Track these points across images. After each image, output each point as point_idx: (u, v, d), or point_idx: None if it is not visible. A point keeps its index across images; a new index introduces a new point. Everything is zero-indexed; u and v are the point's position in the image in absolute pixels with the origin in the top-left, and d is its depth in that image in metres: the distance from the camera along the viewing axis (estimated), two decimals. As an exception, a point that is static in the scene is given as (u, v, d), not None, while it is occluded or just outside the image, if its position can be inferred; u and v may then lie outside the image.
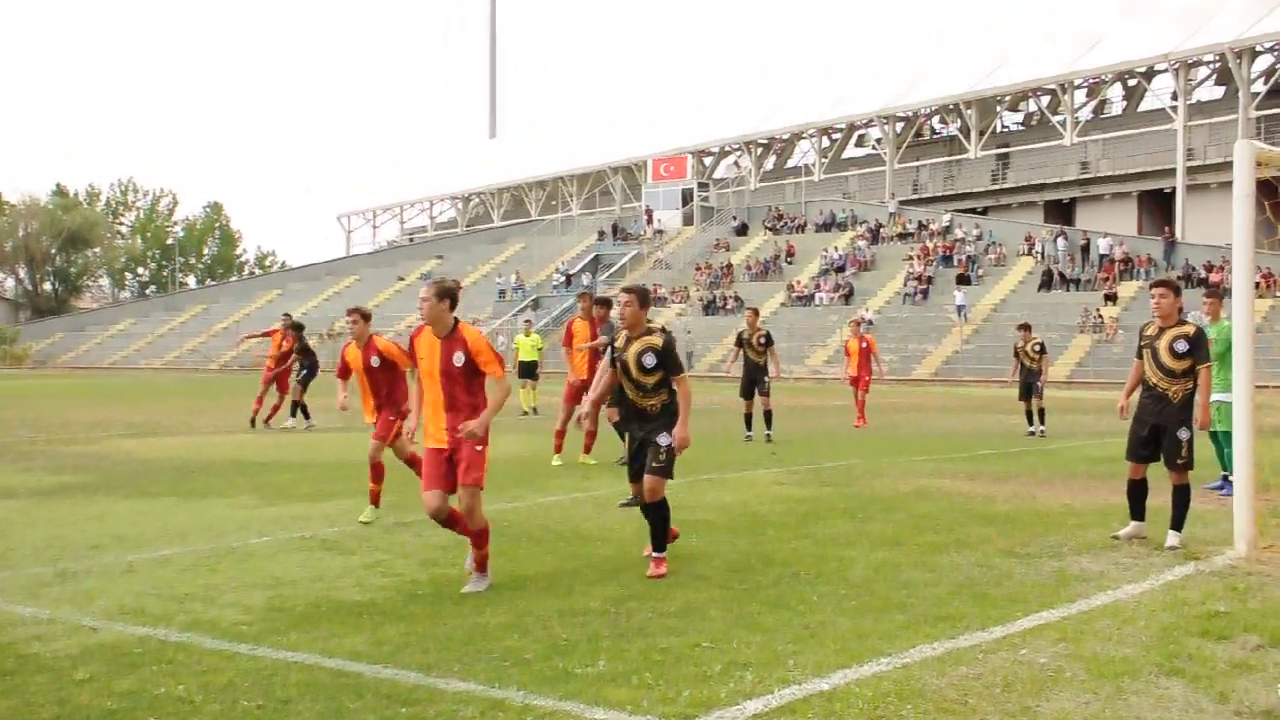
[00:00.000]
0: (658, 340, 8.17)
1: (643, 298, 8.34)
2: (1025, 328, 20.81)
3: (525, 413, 25.02)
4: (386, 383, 10.56)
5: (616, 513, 10.78)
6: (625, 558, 8.58)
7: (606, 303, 14.75)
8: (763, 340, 18.65)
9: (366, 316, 10.77)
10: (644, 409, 8.24)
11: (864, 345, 22.53)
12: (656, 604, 7.02)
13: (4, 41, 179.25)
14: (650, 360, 8.11)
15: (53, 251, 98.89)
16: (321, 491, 12.36)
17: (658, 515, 8.11)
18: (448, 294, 7.72)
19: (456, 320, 7.77)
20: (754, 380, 18.58)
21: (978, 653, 5.92)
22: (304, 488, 12.67)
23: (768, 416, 18.48)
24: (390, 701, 5.16)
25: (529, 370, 26.73)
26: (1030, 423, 19.91)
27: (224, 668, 5.69)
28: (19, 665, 5.72)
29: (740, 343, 19.08)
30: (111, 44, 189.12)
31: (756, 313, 19.79)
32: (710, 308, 59.64)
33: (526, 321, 30.97)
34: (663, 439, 8.09)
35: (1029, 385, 19.99)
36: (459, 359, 7.61)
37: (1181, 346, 8.84)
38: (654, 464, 8.06)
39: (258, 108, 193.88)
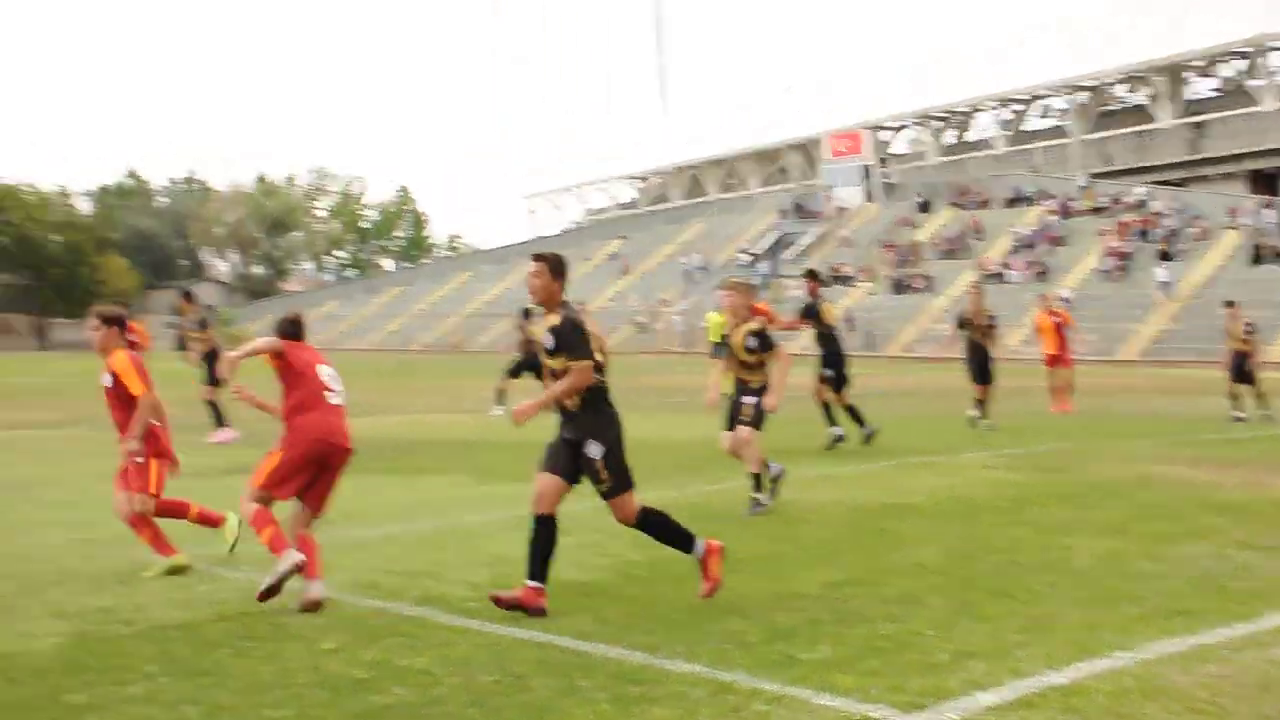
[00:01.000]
0: (555, 318, 6.80)
1: (554, 266, 6.99)
2: (1230, 305, 19.59)
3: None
4: None
5: (824, 495, 10.75)
6: (836, 542, 8.56)
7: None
8: (988, 321, 17.79)
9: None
10: (561, 406, 6.86)
11: (1057, 320, 20.78)
12: (875, 589, 6.98)
13: (203, 45, 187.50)
14: (549, 341, 6.80)
15: (259, 236, 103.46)
16: (533, 472, 12.60)
17: (538, 540, 6.70)
18: (112, 320, 7.84)
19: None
20: (980, 363, 17.60)
21: (1223, 650, 5.68)
22: (516, 467, 12.94)
23: (980, 403, 17.57)
24: (620, 680, 5.26)
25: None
26: (1236, 406, 18.62)
27: (459, 642, 5.89)
28: (274, 633, 6.06)
29: (962, 324, 18.09)
30: (295, 39, 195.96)
31: (981, 291, 18.64)
32: (900, 287, 58.64)
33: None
34: (592, 449, 6.79)
35: (1239, 367, 18.82)
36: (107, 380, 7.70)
37: None
38: (596, 486, 6.84)
39: (437, 93, 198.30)
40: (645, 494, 10.75)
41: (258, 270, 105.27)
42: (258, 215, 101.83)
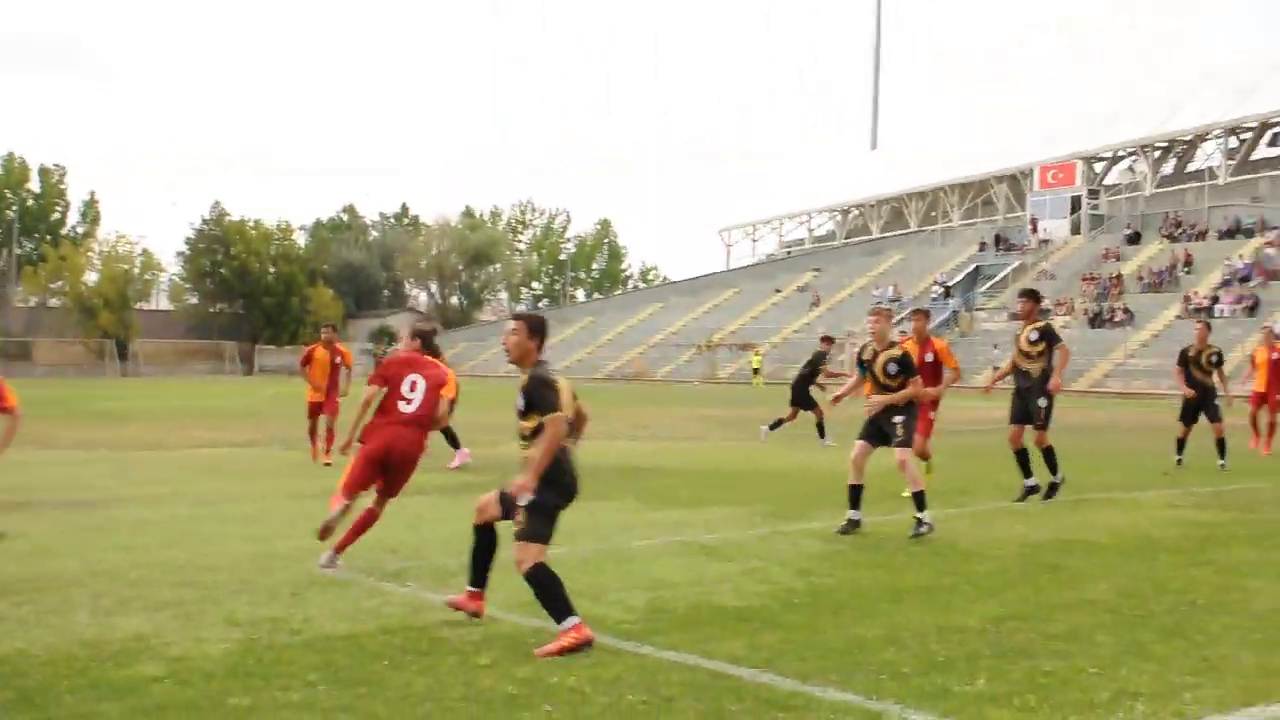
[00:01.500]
0: (525, 378, 6.72)
1: (532, 326, 6.83)
2: (1204, 325, 17.37)
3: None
4: None
5: (996, 529, 10.49)
6: (1005, 576, 8.34)
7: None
8: (1214, 358, 16.60)
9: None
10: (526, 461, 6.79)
11: (1275, 356, 18.83)
12: (1040, 625, 6.79)
13: (417, 84, 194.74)
14: (520, 402, 6.72)
15: (460, 268, 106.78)
16: (700, 498, 12.70)
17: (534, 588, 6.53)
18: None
19: None
20: (1201, 403, 16.47)
21: (1402, 703, 5.34)
22: (684, 494, 13.07)
23: (1220, 444, 16.38)
24: (769, 706, 5.24)
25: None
26: (1180, 451, 16.55)
27: (611, 662, 5.95)
28: (432, 647, 6.23)
29: (1184, 360, 16.89)
30: (502, 77, 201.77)
31: (1208, 326, 17.44)
32: (1096, 320, 56.70)
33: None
34: (521, 499, 6.73)
35: (1199, 406, 16.55)
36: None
37: None
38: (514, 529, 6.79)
39: (643, 126, 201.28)
40: (814, 524, 10.73)
41: (454, 301, 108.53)
42: (461, 248, 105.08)
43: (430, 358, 9.44)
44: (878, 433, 10.50)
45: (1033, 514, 11.56)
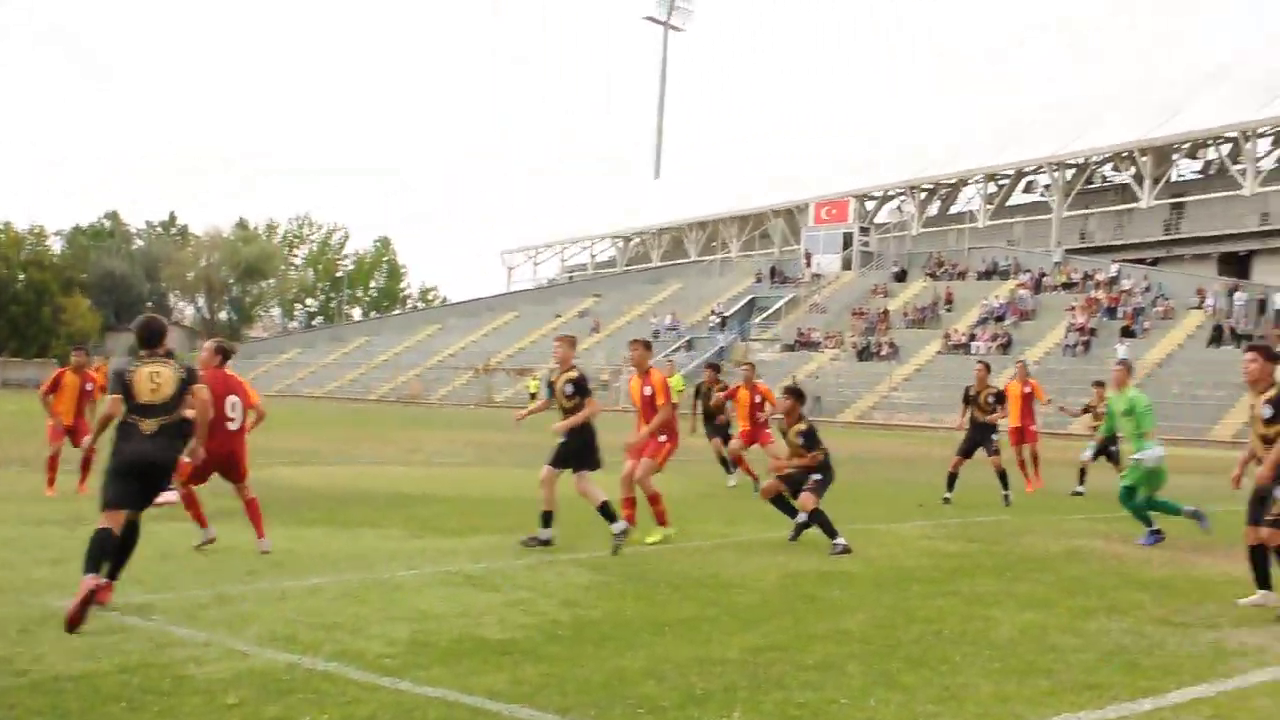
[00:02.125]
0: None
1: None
2: (983, 366, 17.95)
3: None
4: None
5: (758, 560, 10.72)
6: (766, 607, 8.51)
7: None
8: (991, 398, 17.23)
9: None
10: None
11: (1027, 390, 19.44)
12: (796, 656, 6.94)
13: (188, 81, 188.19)
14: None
15: (230, 282, 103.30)
16: (469, 526, 12.57)
17: None
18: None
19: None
20: (978, 440, 17.17)
21: (1127, 725, 5.70)
22: (452, 522, 12.90)
23: (1001, 476, 16.85)
24: (524, 742, 5.20)
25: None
26: (950, 488, 16.85)
27: (366, 699, 5.79)
28: (175, 686, 5.93)
29: (968, 399, 17.52)
30: (290, 81, 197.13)
31: (987, 368, 17.98)
32: (864, 354, 58.98)
33: (669, 361, 30.53)
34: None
35: (976, 441, 17.15)
36: None
37: (1267, 411, 8.79)
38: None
39: (430, 144, 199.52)
40: (583, 554, 10.76)
41: (224, 315, 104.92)
42: (232, 261, 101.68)
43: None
44: (561, 456, 11.32)
45: (793, 545, 11.85)
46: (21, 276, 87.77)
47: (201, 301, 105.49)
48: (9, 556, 9.70)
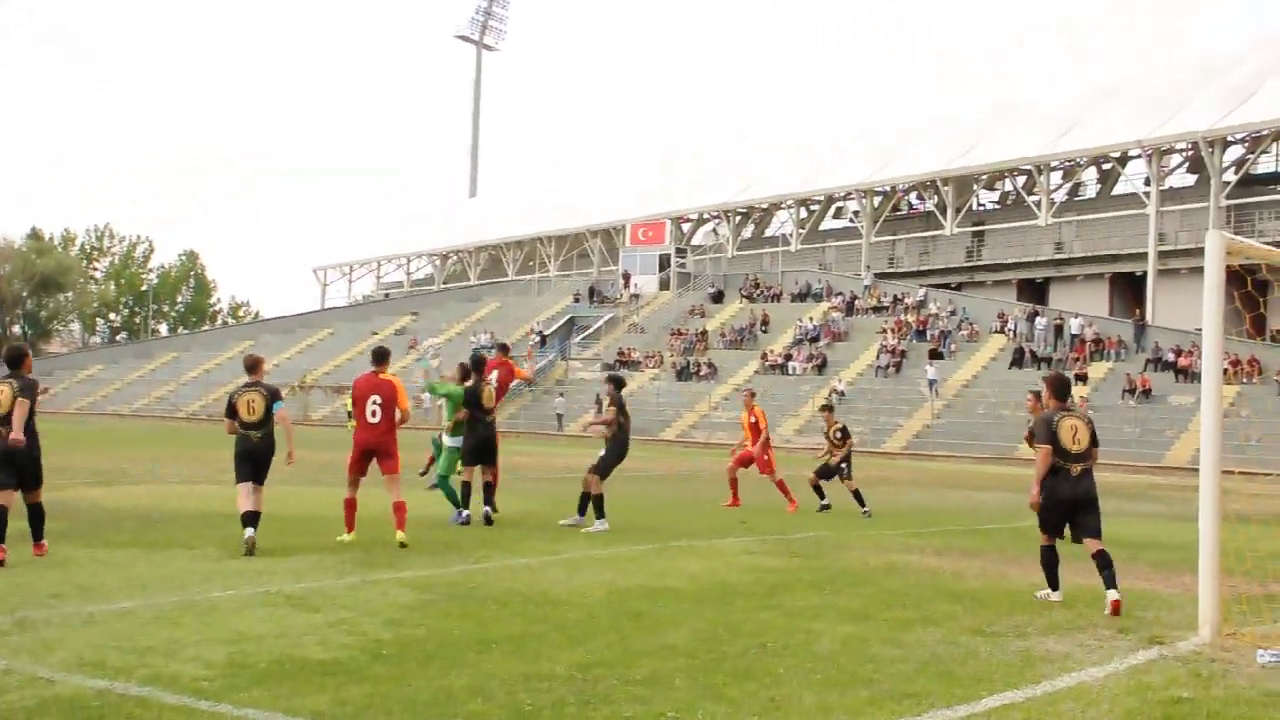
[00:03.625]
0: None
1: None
2: (828, 409, 19.35)
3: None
4: None
5: (586, 576, 10.73)
6: (593, 623, 8.53)
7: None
8: (838, 434, 18.47)
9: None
10: None
11: (753, 419, 19.39)
12: (623, 671, 6.98)
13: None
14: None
15: (24, 295, 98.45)
16: (286, 546, 12.25)
17: None
18: None
19: None
20: (834, 469, 18.42)
21: (942, 732, 5.90)
22: (267, 541, 12.52)
23: (857, 496, 18.18)
24: (351, 763, 5.10)
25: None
26: (822, 496, 18.56)
27: (181, 724, 5.61)
28: (-26, 716, 5.64)
29: (826, 436, 18.85)
30: (86, 86, 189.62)
31: (832, 410, 19.48)
32: (684, 374, 59.75)
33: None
34: None
35: (832, 469, 18.45)
36: None
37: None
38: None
39: (240, 156, 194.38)
40: (406, 573, 10.61)
41: (17, 330, 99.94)
42: (25, 273, 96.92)
43: None
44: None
45: (618, 561, 11.92)
46: None
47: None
48: None
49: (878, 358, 55.89)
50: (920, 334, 57.23)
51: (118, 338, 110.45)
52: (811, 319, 61.94)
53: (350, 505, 13.07)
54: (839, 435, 18.41)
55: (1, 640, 7.29)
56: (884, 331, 58.28)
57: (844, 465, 18.35)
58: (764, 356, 59.02)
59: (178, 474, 22.51)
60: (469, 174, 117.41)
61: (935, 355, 53.97)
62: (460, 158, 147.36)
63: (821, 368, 56.25)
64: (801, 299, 66.34)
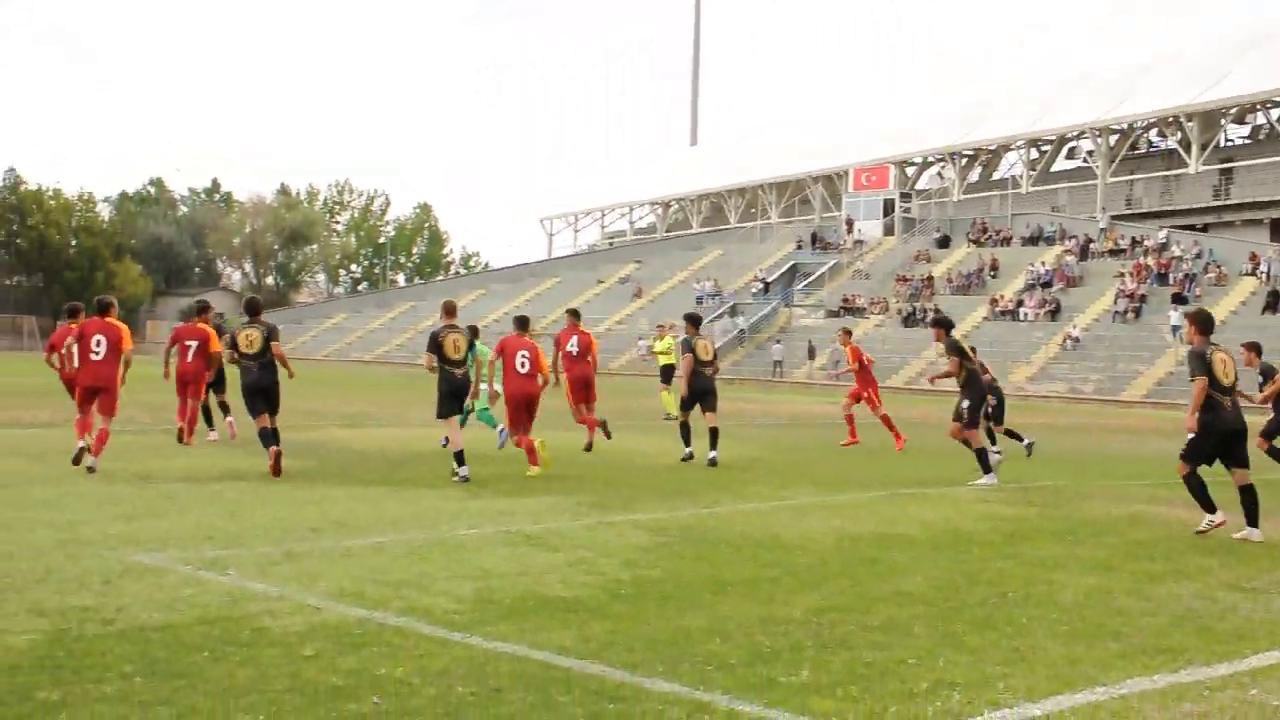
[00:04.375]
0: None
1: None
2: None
3: (669, 416, 23.64)
4: None
5: (815, 522, 10.74)
6: (825, 568, 8.53)
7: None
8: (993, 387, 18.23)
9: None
10: None
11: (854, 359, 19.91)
12: (860, 617, 6.97)
13: (229, 47, 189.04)
14: None
15: (275, 248, 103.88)
16: (524, 488, 12.66)
17: None
18: None
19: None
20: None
21: (1202, 689, 5.67)
22: (507, 483, 13.01)
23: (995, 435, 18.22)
24: (598, 697, 5.23)
25: (668, 374, 25.09)
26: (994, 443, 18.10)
27: (438, 653, 5.87)
28: (254, 638, 6.04)
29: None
30: (324, 50, 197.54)
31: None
32: (909, 320, 58.66)
33: (660, 326, 30.16)
34: None
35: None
36: None
37: None
38: None
39: (468, 111, 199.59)
40: (640, 515, 10.84)
41: (270, 281, 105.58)
42: (276, 227, 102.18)
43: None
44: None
45: (849, 507, 11.88)
46: (74, 243, 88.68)
47: (248, 267, 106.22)
48: (86, 514, 9.88)
49: (1115, 303, 53.57)
50: (1161, 278, 54.53)
51: (359, 288, 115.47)
52: (1044, 263, 59.75)
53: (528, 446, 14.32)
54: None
55: (273, 570, 7.78)
56: (1121, 275, 55.74)
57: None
58: (993, 302, 57.34)
59: (419, 417, 23.42)
60: (690, 122, 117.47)
61: (1179, 300, 51.37)
62: (681, 106, 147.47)
63: (1055, 314, 54.28)
64: (1033, 243, 64.04)
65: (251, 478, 12.72)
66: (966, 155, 78.29)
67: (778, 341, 59.27)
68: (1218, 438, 10.18)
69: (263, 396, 13.32)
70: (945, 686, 5.55)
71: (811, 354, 55.91)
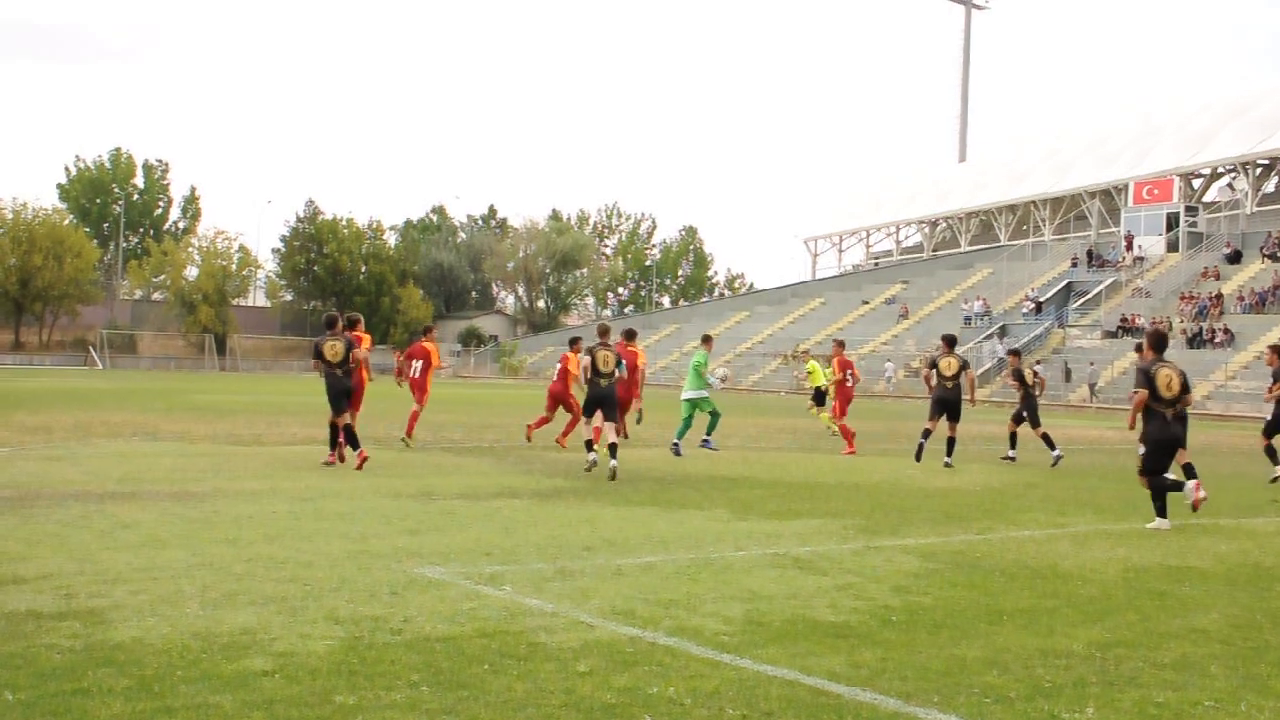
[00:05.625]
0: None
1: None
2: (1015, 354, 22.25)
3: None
4: None
5: (1097, 552, 10.26)
6: (1109, 600, 8.14)
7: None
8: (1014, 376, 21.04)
9: None
10: None
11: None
12: (1148, 653, 6.62)
13: (499, 81, 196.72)
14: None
15: (547, 271, 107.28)
16: (790, 510, 12.60)
17: None
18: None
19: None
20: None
21: None
22: (771, 505, 12.98)
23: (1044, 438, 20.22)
24: (870, 725, 5.16)
25: (820, 396, 28.45)
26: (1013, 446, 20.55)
27: (709, 674, 5.89)
28: (530, 653, 6.23)
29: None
30: (592, 74, 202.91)
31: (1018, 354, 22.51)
32: (1195, 340, 55.46)
33: (804, 353, 32.16)
34: None
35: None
36: None
37: None
38: None
39: (731, 134, 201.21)
40: (909, 540, 10.63)
41: (541, 304, 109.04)
42: (548, 251, 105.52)
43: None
44: None
45: (1134, 537, 11.31)
46: (363, 269, 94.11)
47: (521, 291, 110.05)
48: (375, 527, 10.44)
49: None
50: None
51: (625, 310, 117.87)
52: (1349, 278, 55.48)
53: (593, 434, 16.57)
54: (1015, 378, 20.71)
55: (547, 586, 8.01)
56: None
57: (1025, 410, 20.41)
58: (1289, 321, 53.59)
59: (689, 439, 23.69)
60: (958, 138, 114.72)
61: None
62: (947, 122, 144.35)
63: (1361, 332, 50.31)
64: (1335, 256, 59.54)
65: (525, 495, 13.14)
66: (1262, 164, 73.51)
67: (1039, 361, 57.07)
68: (1161, 445, 11.88)
69: (345, 397, 15.81)
70: (1248, 732, 5.21)
71: (1067, 377, 53.47)
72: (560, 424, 20.58)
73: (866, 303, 79.37)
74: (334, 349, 15.77)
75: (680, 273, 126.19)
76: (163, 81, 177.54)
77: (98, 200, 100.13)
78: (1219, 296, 58.95)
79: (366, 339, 17.58)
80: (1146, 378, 11.97)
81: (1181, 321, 57.97)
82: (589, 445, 16.17)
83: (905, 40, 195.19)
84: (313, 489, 13.09)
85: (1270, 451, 17.36)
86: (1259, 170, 73.69)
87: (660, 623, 7.01)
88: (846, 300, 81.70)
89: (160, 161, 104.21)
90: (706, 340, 20.53)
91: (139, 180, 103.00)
